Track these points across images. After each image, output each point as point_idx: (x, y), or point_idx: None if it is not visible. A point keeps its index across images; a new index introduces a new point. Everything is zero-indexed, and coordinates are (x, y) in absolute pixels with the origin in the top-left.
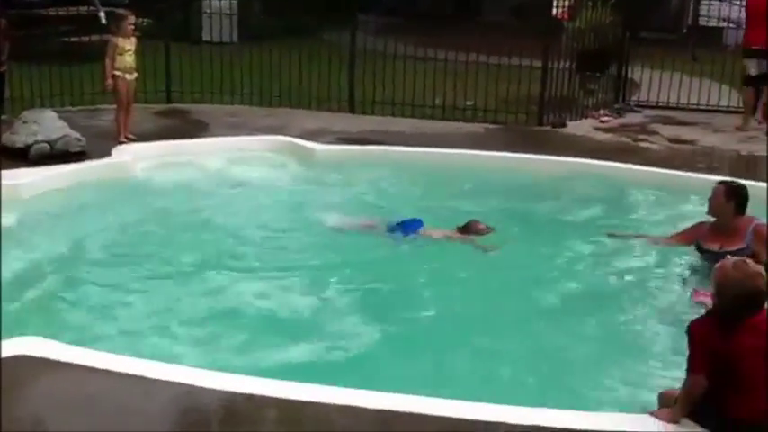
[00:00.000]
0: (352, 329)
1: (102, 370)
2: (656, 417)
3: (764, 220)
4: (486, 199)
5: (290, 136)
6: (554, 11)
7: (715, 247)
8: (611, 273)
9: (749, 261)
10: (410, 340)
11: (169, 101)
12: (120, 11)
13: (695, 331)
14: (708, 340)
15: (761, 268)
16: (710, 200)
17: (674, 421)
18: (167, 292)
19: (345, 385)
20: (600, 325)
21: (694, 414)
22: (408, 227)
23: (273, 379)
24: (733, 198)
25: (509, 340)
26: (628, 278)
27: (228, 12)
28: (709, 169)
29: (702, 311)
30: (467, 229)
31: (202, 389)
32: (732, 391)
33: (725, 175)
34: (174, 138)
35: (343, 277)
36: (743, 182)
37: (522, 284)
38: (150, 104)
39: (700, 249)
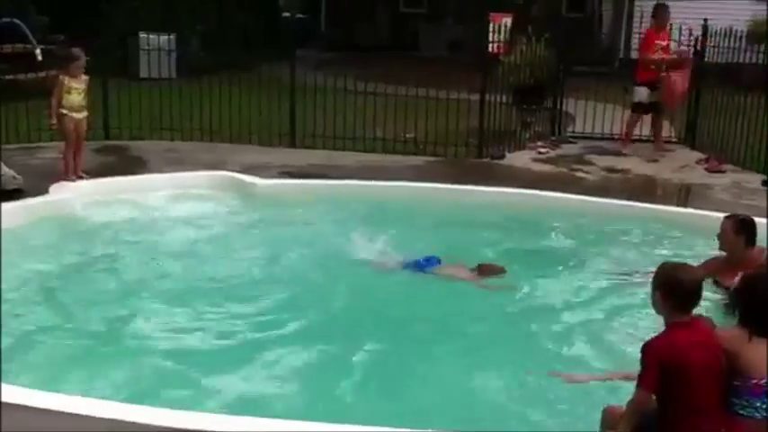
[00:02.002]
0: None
1: (32, 408)
2: None
3: None
4: (437, 231)
5: (231, 171)
6: (490, 46)
7: (731, 280)
8: (623, 309)
9: None
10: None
11: (107, 137)
12: (75, 50)
13: (650, 346)
14: (661, 355)
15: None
16: (720, 236)
17: None
18: (105, 331)
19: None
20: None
21: None
22: (424, 264)
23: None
24: (743, 231)
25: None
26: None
27: (167, 48)
28: (645, 197)
29: None
30: (483, 270)
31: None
32: (682, 413)
33: (661, 202)
34: (113, 174)
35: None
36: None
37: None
38: (88, 141)
39: (716, 284)
